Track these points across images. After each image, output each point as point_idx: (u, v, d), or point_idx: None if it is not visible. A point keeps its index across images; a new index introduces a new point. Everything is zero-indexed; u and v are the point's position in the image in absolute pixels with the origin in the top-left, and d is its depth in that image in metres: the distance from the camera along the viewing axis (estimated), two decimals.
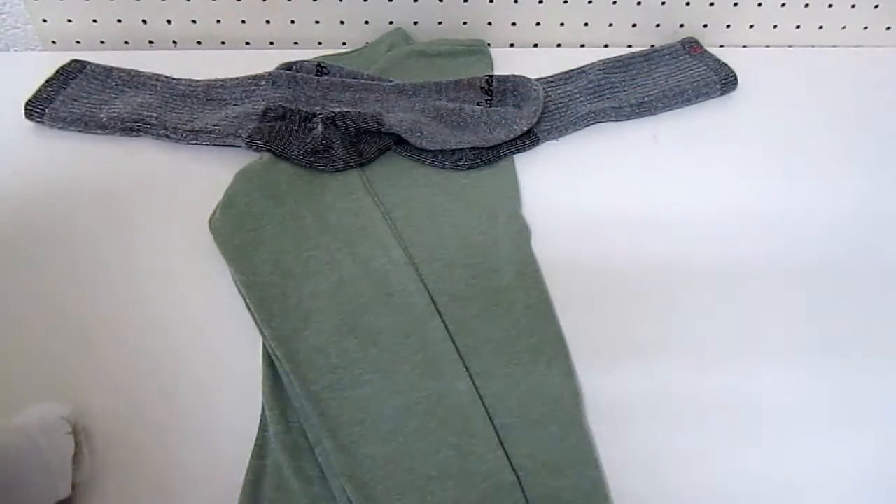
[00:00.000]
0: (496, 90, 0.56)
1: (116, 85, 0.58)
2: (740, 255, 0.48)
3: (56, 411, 0.37)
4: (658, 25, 0.65)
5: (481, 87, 0.57)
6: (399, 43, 0.63)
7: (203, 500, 0.37)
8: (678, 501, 0.37)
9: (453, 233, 0.48)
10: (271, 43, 0.65)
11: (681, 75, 0.60)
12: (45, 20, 0.62)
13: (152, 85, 0.58)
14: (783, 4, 0.64)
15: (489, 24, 0.64)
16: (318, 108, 0.56)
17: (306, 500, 0.36)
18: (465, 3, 0.63)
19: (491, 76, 0.57)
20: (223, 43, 0.65)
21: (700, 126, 0.57)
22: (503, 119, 0.53)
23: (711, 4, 0.64)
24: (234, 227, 0.47)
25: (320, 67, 0.58)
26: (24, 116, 0.54)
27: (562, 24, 0.65)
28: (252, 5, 0.63)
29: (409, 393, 0.40)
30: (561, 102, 0.58)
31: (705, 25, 0.65)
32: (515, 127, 0.53)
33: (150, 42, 0.65)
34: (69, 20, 0.62)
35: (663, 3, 0.63)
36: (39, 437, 0.35)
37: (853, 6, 0.65)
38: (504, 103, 0.56)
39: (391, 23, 0.64)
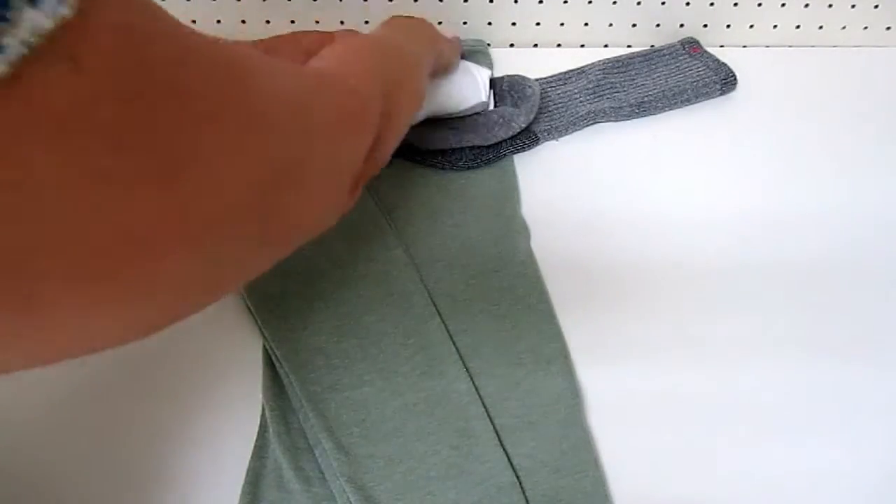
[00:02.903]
0: (494, 91, 0.57)
1: None
2: (740, 255, 0.48)
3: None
4: (658, 25, 0.65)
5: None
6: None
7: (203, 500, 0.37)
8: (678, 501, 0.37)
9: (453, 233, 0.48)
10: None
11: (680, 75, 0.59)
12: None
13: None
14: (783, 4, 0.64)
15: (489, 24, 0.64)
16: None
17: (306, 501, 0.36)
18: (466, 3, 0.62)
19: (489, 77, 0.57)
20: None
21: (700, 126, 0.57)
22: (501, 117, 0.53)
23: (711, 4, 0.64)
24: None
25: None
26: None
27: (562, 25, 0.64)
28: (252, 5, 0.62)
29: (409, 393, 0.40)
30: (560, 102, 0.58)
31: (705, 25, 0.65)
32: (514, 124, 0.53)
33: None
34: None
35: (663, 3, 0.63)
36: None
37: (853, 6, 0.65)
38: (503, 103, 0.56)
39: None
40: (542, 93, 0.56)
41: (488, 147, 0.53)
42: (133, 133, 0.16)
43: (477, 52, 0.63)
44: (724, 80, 0.58)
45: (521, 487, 0.37)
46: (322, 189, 0.27)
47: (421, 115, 0.50)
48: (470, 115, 0.54)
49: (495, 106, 0.56)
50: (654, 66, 0.61)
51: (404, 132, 0.38)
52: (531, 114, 0.54)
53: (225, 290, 0.25)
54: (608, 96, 0.58)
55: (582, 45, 0.66)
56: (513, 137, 0.54)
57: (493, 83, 0.57)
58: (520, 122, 0.53)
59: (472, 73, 0.53)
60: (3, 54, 0.13)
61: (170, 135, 0.17)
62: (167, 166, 0.17)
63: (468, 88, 0.53)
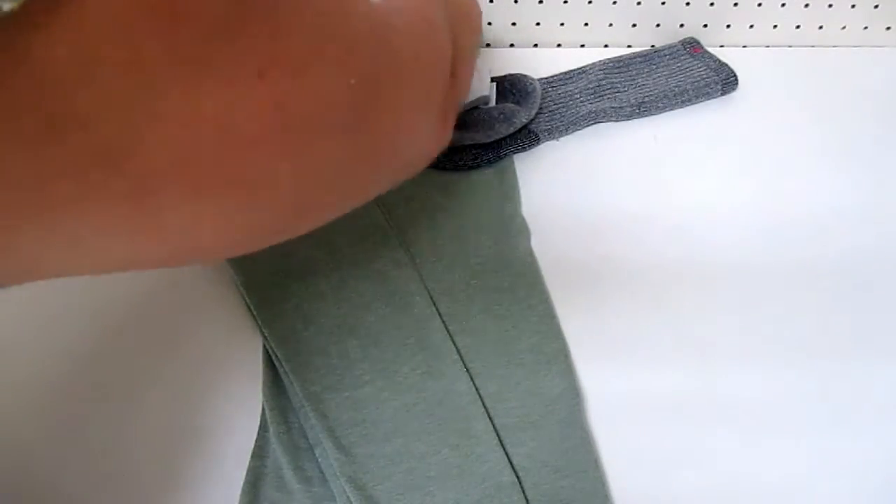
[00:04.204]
0: (496, 90, 0.57)
1: None
2: (740, 255, 0.48)
3: None
4: (658, 25, 0.65)
5: None
6: None
7: (203, 500, 0.37)
8: (679, 501, 0.37)
9: (453, 233, 0.48)
10: None
11: (681, 75, 0.59)
12: None
13: None
14: (783, 4, 0.64)
15: (489, 24, 0.64)
16: None
17: (306, 501, 0.36)
18: None
19: (491, 78, 0.57)
20: None
21: (700, 126, 0.57)
22: (501, 114, 0.53)
23: (711, 4, 0.64)
24: None
25: None
26: None
27: (562, 24, 0.64)
28: None
29: (409, 393, 0.40)
30: (561, 102, 0.58)
31: (705, 25, 0.65)
32: (515, 120, 0.53)
33: None
34: None
35: (663, 3, 0.63)
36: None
37: (853, 6, 0.65)
38: (504, 101, 0.56)
39: None
40: (542, 92, 0.56)
41: (489, 147, 0.53)
42: (232, 25, 0.17)
43: None
44: (726, 81, 0.58)
45: (522, 487, 0.37)
46: (411, 110, 0.28)
47: None
48: (470, 113, 0.54)
49: (497, 104, 0.56)
50: (654, 66, 0.61)
51: (472, 72, 0.40)
52: (532, 110, 0.54)
53: (320, 210, 0.25)
54: (609, 96, 0.58)
55: (582, 45, 0.66)
56: (514, 137, 0.54)
57: (496, 83, 0.57)
58: (521, 119, 0.53)
59: (476, 65, 0.54)
60: None
61: (263, 32, 0.18)
62: (262, 60, 0.18)
63: (474, 80, 0.53)
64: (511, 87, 0.56)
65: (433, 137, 0.32)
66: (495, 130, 0.53)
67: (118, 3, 0.14)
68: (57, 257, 0.18)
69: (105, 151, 0.16)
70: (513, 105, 0.55)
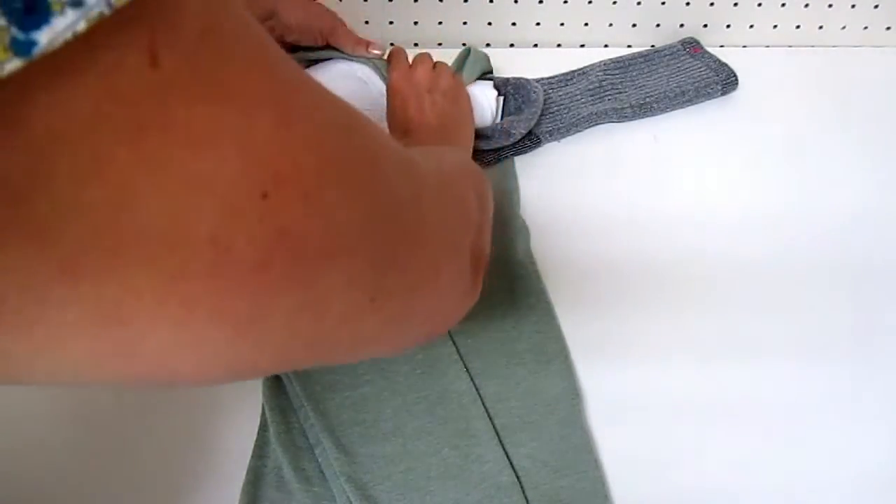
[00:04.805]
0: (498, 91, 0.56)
1: None
2: (740, 255, 0.48)
3: None
4: (658, 25, 0.65)
5: None
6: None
7: (203, 500, 0.37)
8: (678, 501, 0.37)
9: None
10: None
11: (681, 76, 0.59)
12: None
13: None
14: (783, 4, 0.64)
15: (489, 24, 0.64)
16: None
17: (306, 501, 0.36)
18: (465, 4, 0.62)
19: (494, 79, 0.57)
20: None
21: (700, 126, 0.57)
22: (500, 125, 0.53)
23: (711, 4, 0.64)
24: None
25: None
26: None
27: (562, 24, 0.64)
28: None
29: (409, 393, 0.40)
30: (563, 104, 0.57)
31: (705, 25, 0.65)
32: (514, 132, 0.53)
33: None
34: None
35: (663, 3, 0.63)
36: None
37: (853, 6, 0.65)
38: (506, 104, 0.56)
39: (391, 23, 0.64)
40: (543, 94, 0.56)
41: (490, 149, 0.53)
42: (219, 135, 0.15)
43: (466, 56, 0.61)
44: (726, 81, 0.58)
45: (521, 487, 0.37)
46: (440, 255, 0.25)
47: None
48: None
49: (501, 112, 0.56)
50: (654, 67, 0.61)
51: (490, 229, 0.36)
52: (532, 120, 0.54)
53: (327, 353, 0.22)
54: (610, 97, 0.58)
55: (582, 45, 0.66)
56: (512, 143, 0.54)
57: (498, 85, 0.56)
58: (520, 130, 0.53)
59: (479, 100, 0.53)
60: (83, 8, 0.12)
61: (268, 151, 0.16)
62: (266, 180, 0.16)
63: (476, 112, 0.52)
64: (514, 91, 0.56)
65: (462, 293, 0.28)
66: (495, 140, 0.53)
67: (82, 110, 0.13)
68: (9, 367, 0.16)
69: (69, 266, 0.14)
70: (513, 117, 0.54)
